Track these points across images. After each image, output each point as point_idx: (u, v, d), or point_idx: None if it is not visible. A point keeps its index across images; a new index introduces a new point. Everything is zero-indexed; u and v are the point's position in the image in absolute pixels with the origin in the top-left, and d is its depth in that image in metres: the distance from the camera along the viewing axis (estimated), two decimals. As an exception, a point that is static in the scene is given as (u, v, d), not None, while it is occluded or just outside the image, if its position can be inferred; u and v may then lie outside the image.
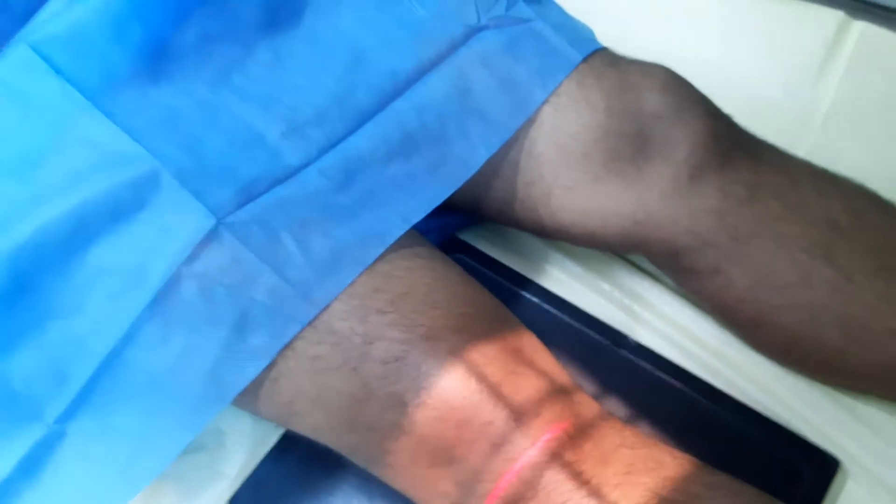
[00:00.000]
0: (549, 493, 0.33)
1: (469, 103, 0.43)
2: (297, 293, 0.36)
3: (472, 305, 0.38)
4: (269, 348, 0.35)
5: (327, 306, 0.36)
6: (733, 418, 0.44)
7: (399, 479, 0.37)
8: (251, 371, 0.35)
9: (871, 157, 0.49)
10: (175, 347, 0.35)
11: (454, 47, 0.44)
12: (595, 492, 0.32)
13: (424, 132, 0.41)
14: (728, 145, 0.43)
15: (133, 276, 0.35)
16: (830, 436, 0.44)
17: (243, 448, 0.46)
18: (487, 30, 0.44)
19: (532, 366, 0.37)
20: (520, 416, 0.34)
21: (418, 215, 0.39)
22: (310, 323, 0.36)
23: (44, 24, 0.38)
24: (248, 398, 0.38)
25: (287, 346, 0.36)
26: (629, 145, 0.43)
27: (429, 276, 0.39)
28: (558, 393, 0.36)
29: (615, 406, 0.44)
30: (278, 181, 0.38)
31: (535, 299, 0.50)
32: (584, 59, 0.44)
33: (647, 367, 0.47)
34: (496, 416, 0.34)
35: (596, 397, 0.44)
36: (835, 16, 0.56)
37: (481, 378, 0.35)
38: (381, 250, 0.37)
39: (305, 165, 0.38)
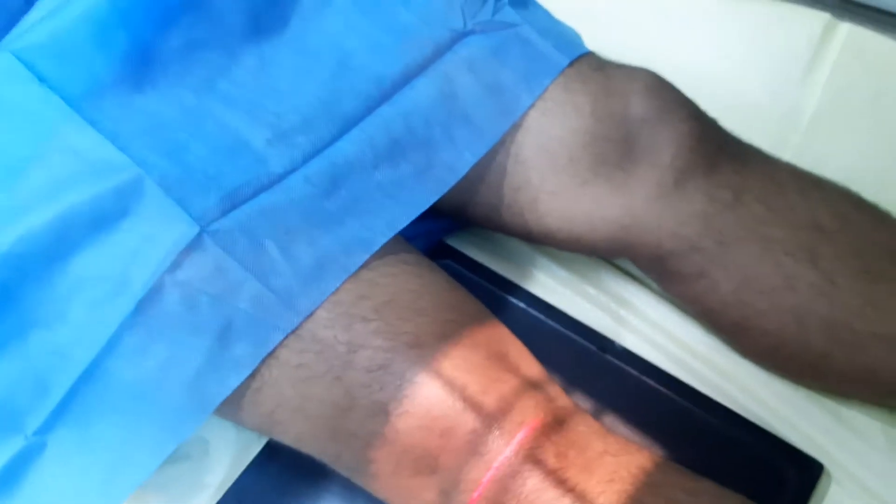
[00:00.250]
0: (531, 500, 0.33)
1: (455, 108, 0.43)
2: (281, 301, 0.35)
3: (457, 312, 0.38)
4: (252, 358, 0.35)
5: (311, 314, 0.36)
6: (718, 423, 0.44)
7: (382, 488, 0.37)
8: (234, 381, 0.35)
9: (856, 158, 0.49)
10: (157, 357, 0.35)
11: (440, 52, 0.44)
12: (579, 499, 0.32)
13: (411, 137, 0.41)
14: (713, 149, 0.43)
15: (115, 284, 0.35)
16: (815, 440, 0.44)
17: (227, 457, 0.46)
18: (473, 34, 0.44)
19: (516, 372, 0.36)
20: (496, 418, 0.34)
21: (404, 221, 0.39)
22: (293, 331, 0.35)
23: (27, 31, 0.37)
24: (230, 408, 0.38)
25: (270, 355, 0.35)
26: (615, 149, 0.43)
27: (414, 282, 0.38)
28: (537, 394, 0.36)
29: (600, 411, 0.44)
30: (263, 188, 0.37)
31: (521, 304, 0.50)
32: (571, 64, 0.44)
33: (633, 371, 0.47)
34: (478, 424, 0.34)
35: (581, 402, 0.44)
36: (821, 17, 0.56)
37: (465, 386, 0.35)
38: (366, 257, 0.37)
39: (291, 172, 0.38)
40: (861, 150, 0.52)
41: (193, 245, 0.35)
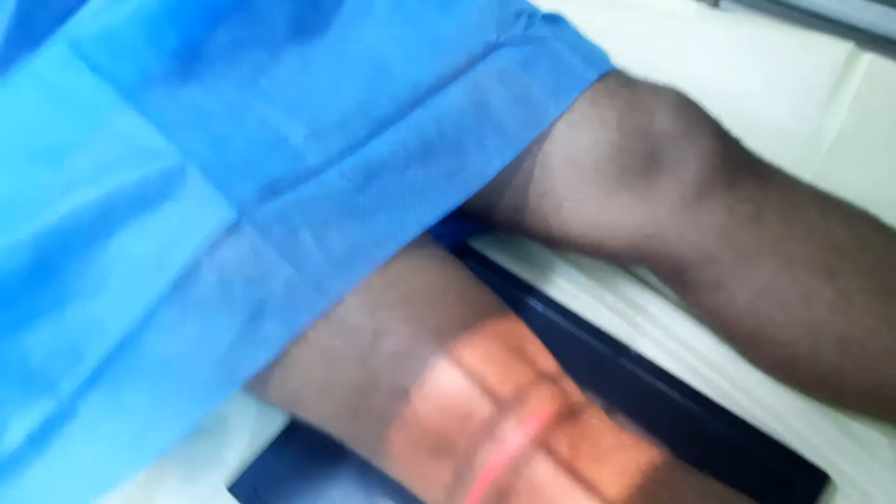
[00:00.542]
0: (543, 487, 0.34)
1: (485, 116, 0.44)
2: (312, 286, 0.37)
3: (479, 306, 0.40)
4: (282, 337, 0.36)
5: (341, 300, 0.37)
6: (729, 430, 0.45)
7: (399, 469, 0.38)
8: (263, 358, 0.36)
9: (874, 185, 0.50)
10: (191, 332, 0.36)
11: (473, 63, 0.45)
12: (590, 490, 0.33)
13: (442, 141, 0.42)
14: (736, 165, 0.44)
15: (154, 263, 0.36)
16: (823, 452, 0.44)
17: (245, 436, 0.47)
18: (505, 47, 0.46)
19: (533, 365, 0.37)
20: (512, 405, 0.35)
21: (433, 218, 0.40)
22: (323, 315, 0.37)
23: (83, 23, 0.39)
24: (257, 384, 0.39)
25: (300, 337, 0.37)
26: (640, 162, 0.44)
27: (440, 276, 0.40)
28: (552, 386, 0.37)
29: (612, 412, 0.45)
30: (300, 181, 0.39)
31: (539, 307, 0.51)
32: (599, 79, 0.45)
33: (647, 377, 0.47)
34: (495, 410, 0.35)
35: (595, 403, 0.45)
36: (845, 47, 0.56)
37: (484, 375, 0.36)
38: (395, 249, 0.38)
39: (326, 167, 0.40)
40: (880, 177, 0.53)
41: (231, 230, 0.36)
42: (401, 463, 0.38)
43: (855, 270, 0.42)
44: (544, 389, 0.36)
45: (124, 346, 0.37)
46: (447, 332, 0.37)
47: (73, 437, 0.37)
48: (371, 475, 0.44)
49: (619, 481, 0.34)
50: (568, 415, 0.36)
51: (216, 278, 0.36)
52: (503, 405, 0.35)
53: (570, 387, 0.38)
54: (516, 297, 0.51)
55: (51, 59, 0.39)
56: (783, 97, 0.57)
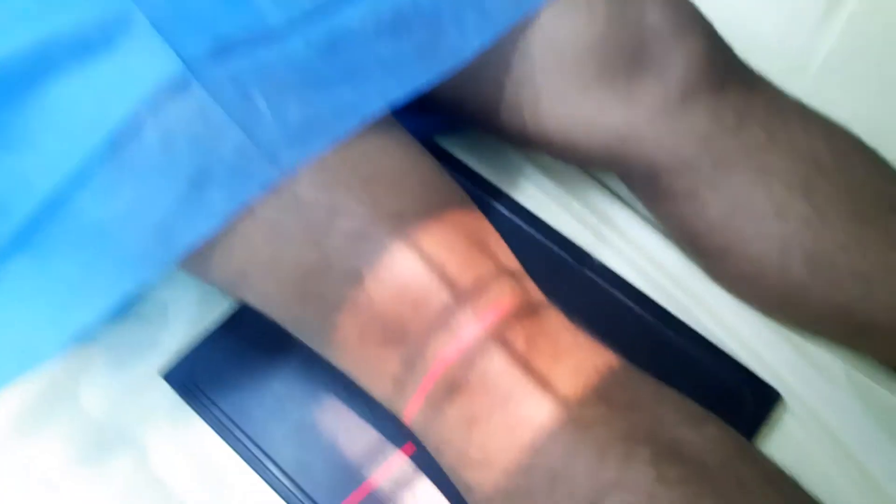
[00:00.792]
0: (496, 380, 0.32)
1: None
2: (263, 154, 0.34)
3: (442, 195, 0.37)
4: (226, 206, 0.34)
5: (294, 174, 0.34)
6: (684, 344, 0.45)
7: (345, 358, 0.37)
8: (204, 228, 0.34)
9: (861, 110, 0.48)
10: (126, 196, 0.34)
11: None
12: (544, 386, 0.32)
13: (417, 13, 0.39)
14: (723, 70, 0.42)
15: (90, 117, 0.33)
16: (777, 371, 0.45)
17: (185, 323, 0.45)
18: None
19: (495, 259, 0.36)
20: (470, 295, 0.34)
21: (400, 95, 0.38)
22: (274, 188, 0.34)
23: None
24: (199, 261, 0.36)
25: (247, 210, 0.34)
26: (624, 58, 0.42)
27: (402, 160, 0.37)
28: (512, 281, 0.35)
29: (571, 318, 0.44)
30: (258, 41, 0.36)
31: (504, 210, 0.50)
32: None
33: (607, 286, 0.47)
34: (451, 299, 0.34)
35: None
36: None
37: (443, 263, 0.34)
38: (357, 124, 0.36)
39: (290, 32, 0.37)
40: (866, 101, 0.52)
41: (178, 86, 0.33)
42: (349, 351, 0.36)
43: (832, 188, 0.41)
44: (504, 283, 0.35)
45: (53, 206, 0.34)
46: (407, 217, 0.35)
47: None
48: (315, 370, 0.43)
49: (573, 380, 0.33)
50: (527, 311, 0.35)
51: (158, 139, 0.34)
52: (461, 295, 0.34)
53: (531, 285, 0.37)
54: (481, 197, 0.50)
55: None
56: (776, 12, 0.56)
